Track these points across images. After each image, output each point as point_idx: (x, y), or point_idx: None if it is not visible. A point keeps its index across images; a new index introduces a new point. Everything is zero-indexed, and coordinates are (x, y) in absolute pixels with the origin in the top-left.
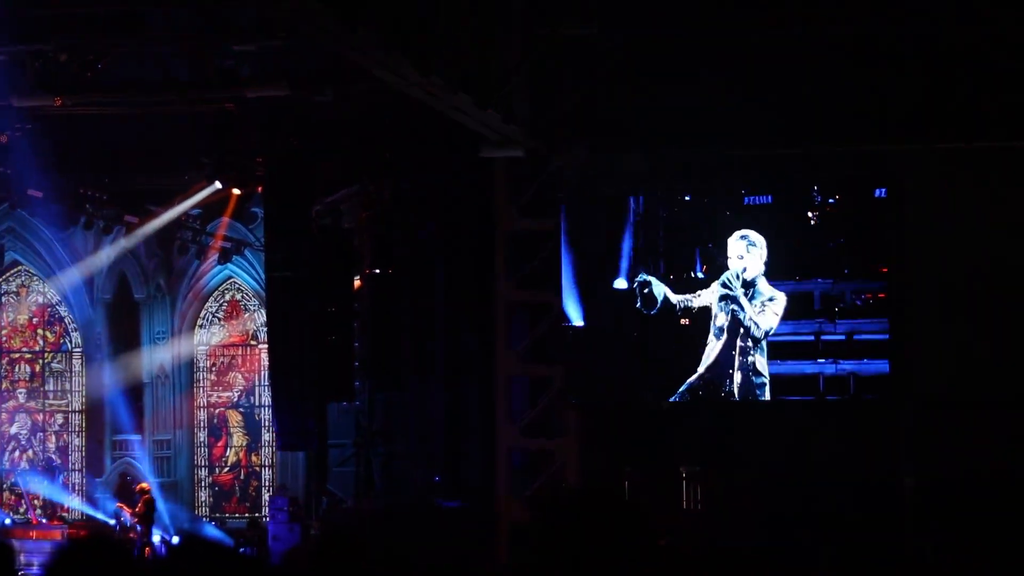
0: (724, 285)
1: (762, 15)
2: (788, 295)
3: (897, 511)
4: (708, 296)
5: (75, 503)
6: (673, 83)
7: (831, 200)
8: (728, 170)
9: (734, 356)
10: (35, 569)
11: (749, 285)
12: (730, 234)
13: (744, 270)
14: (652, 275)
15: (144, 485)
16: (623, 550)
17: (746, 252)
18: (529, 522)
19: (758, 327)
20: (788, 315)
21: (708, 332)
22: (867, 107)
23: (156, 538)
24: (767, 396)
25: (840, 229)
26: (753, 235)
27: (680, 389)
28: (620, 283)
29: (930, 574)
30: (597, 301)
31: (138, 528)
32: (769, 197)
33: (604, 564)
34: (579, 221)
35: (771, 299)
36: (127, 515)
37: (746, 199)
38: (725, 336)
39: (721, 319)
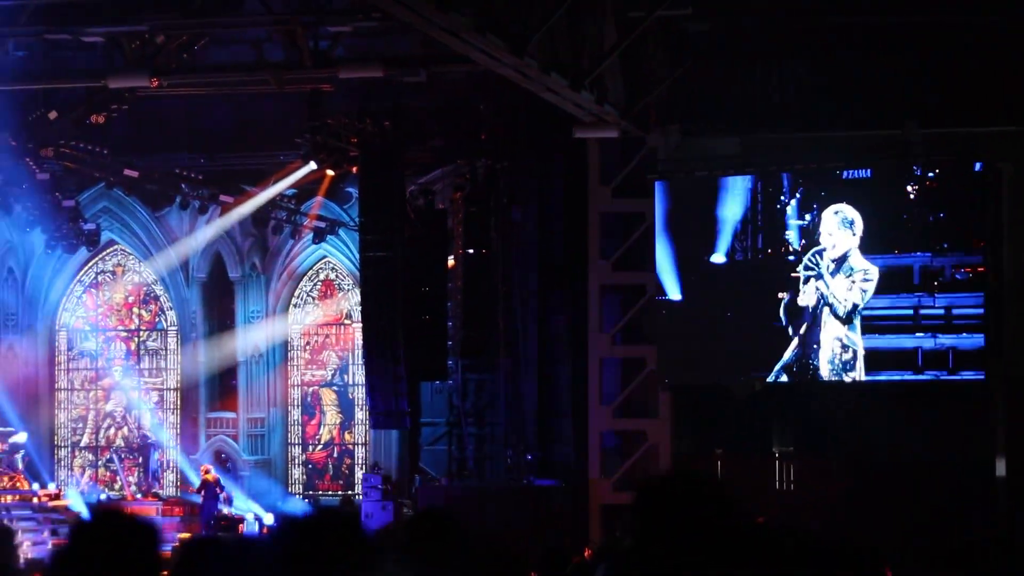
0: (807, 267)
1: (853, 2)
2: (886, 269)
3: (990, 492)
4: (804, 274)
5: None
6: (766, 66)
7: (930, 175)
8: (823, 151)
9: (823, 333)
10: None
11: (840, 260)
12: (826, 209)
13: (833, 247)
14: (749, 248)
15: (205, 466)
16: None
17: (837, 229)
18: (629, 504)
19: (845, 303)
20: (886, 289)
21: (802, 311)
22: (962, 89)
23: (226, 511)
24: (860, 371)
25: (939, 203)
26: (848, 210)
27: (775, 368)
28: (717, 258)
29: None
30: (695, 276)
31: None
32: (868, 171)
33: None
34: (674, 200)
35: (863, 273)
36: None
37: (844, 173)
38: (814, 314)
39: (809, 297)
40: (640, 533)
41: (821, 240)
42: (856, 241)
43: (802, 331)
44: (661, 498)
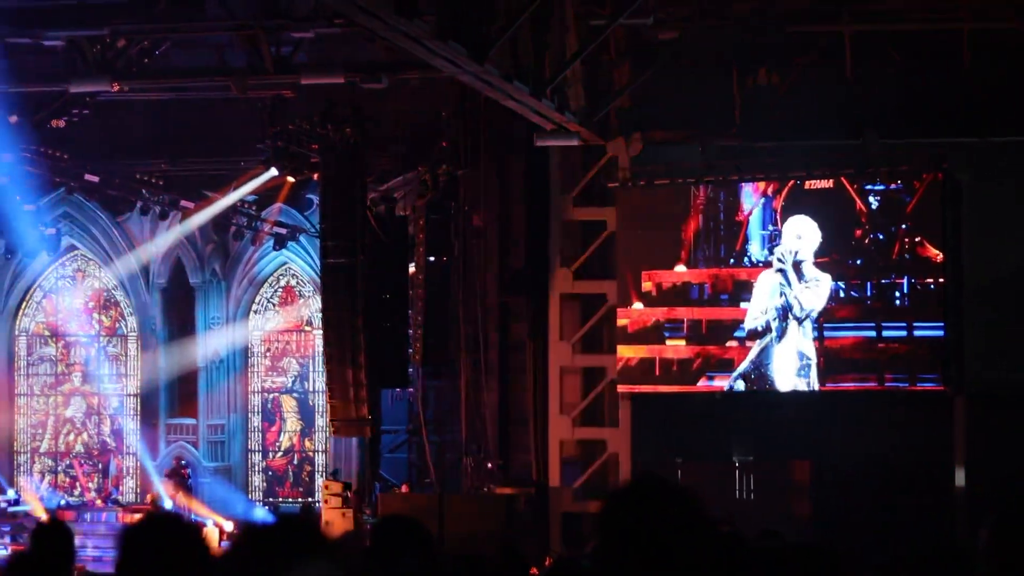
0: (780, 259)
1: (816, 11)
2: (846, 278)
3: (949, 502)
4: (764, 281)
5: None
6: (727, 75)
7: (892, 186)
8: (784, 160)
9: (782, 342)
10: (87, 551)
11: (798, 270)
12: (788, 218)
13: (794, 255)
14: (711, 258)
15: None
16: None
17: (796, 239)
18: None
19: (803, 312)
20: (845, 298)
21: (761, 319)
22: (922, 99)
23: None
24: (819, 380)
25: (899, 213)
26: (806, 220)
27: (733, 376)
28: (679, 267)
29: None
30: (655, 285)
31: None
32: (829, 181)
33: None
34: (635, 209)
35: (817, 283)
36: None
37: (805, 183)
38: (772, 323)
39: (770, 306)
40: (605, 542)
41: (781, 249)
42: (813, 250)
43: (761, 340)
44: (628, 506)
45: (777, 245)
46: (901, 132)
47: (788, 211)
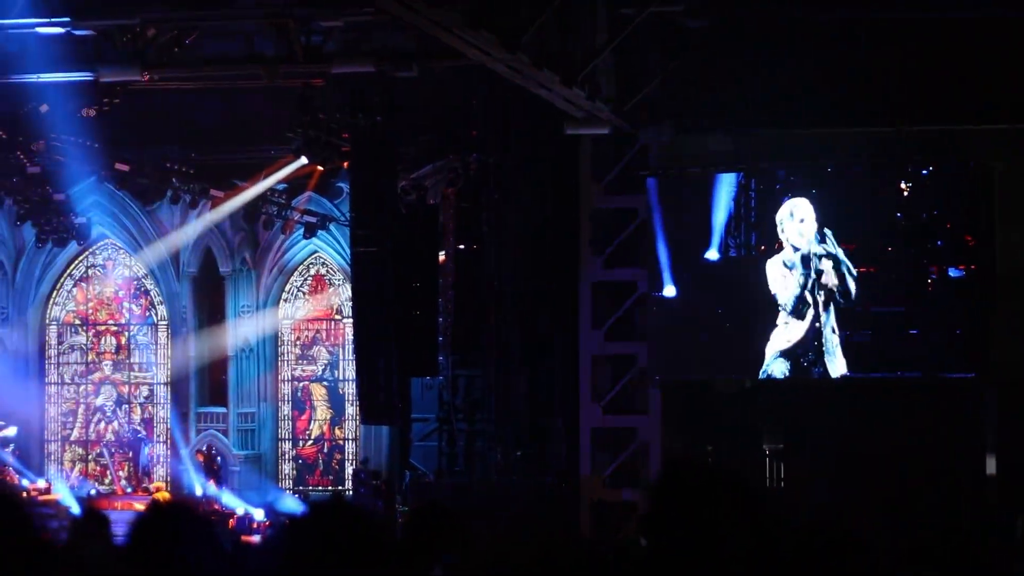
0: (803, 263)
1: None
2: (877, 266)
3: (980, 490)
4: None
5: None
6: (758, 62)
7: (923, 172)
8: (815, 148)
9: (813, 330)
10: (120, 539)
11: (831, 257)
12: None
13: (823, 243)
14: (743, 245)
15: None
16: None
17: (803, 219)
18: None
19: (833, 300)
20: (877, 286)
21: (793, 308)
22: (955, 87)
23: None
24: (848, 368)
25: (931, 201)
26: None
27: (765, 364)
28: (711, 254)
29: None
30: (688, 273)
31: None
32: (860, 168)
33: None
34: (667, 197)
35: (848, 270)
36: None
37: (837, 170)
38: (803, 311)
39: (801, 294)
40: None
41: (812, 236)
42: (815, 230)
43: (793, 328)
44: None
45: (808, 232)
46: (935, 120)
47: (819, 199)
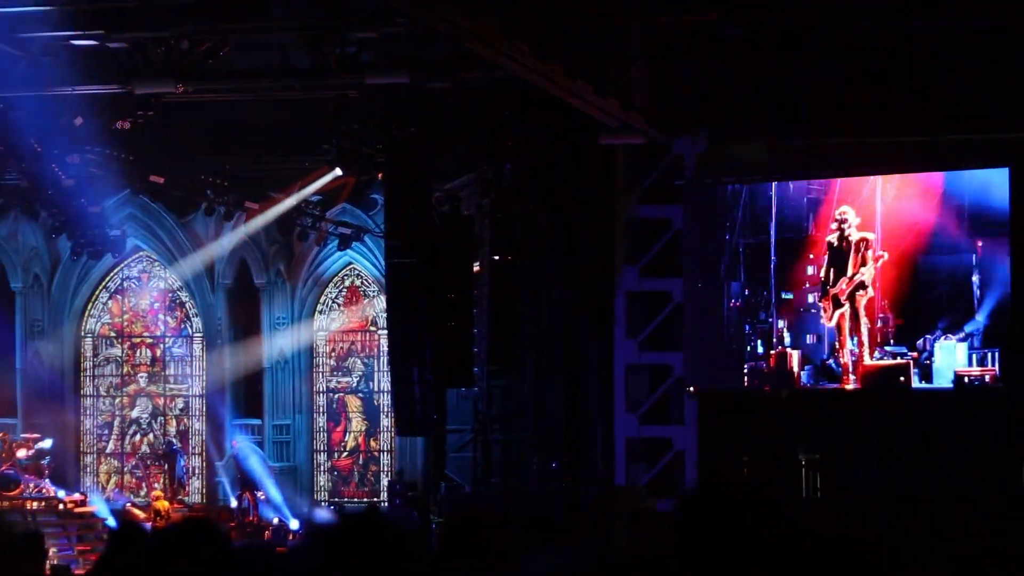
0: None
1: (884, 5)
2: (916, 274)
3: (1021, 499)
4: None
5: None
6: (793, 71)
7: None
8: (853, 157)
9: (848, 340)
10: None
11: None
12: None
13: (860, 254)
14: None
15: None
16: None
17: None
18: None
19: (869, 311)
20: (914, 297)
21: (831, 315)
22: (995, 95)
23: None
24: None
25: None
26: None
27: (801, 375)
28: None
29: None
30: (723, 283)
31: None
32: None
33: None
34: (701, 206)
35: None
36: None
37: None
38: (839, 322)
39: (835, 306)
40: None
41: (848, 248)
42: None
43: (828, 338)
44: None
45: (844, 243)
46: (973, 128)
47: (856, 207)
